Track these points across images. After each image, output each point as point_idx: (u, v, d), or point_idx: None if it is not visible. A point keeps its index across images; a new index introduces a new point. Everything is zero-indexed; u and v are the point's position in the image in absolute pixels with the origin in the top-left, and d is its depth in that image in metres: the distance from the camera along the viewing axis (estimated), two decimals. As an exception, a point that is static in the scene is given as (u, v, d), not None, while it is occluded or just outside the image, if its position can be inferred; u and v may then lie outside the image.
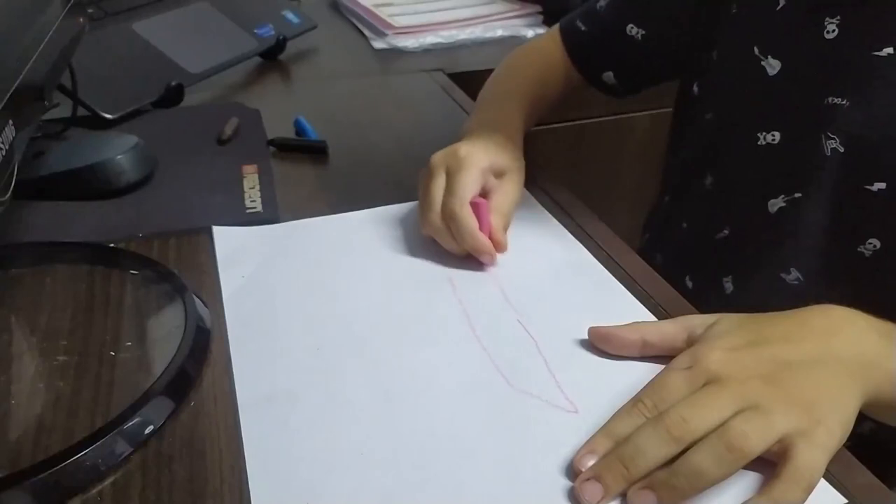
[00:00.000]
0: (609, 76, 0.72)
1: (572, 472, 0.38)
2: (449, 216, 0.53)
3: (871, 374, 0.41)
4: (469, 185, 0.54)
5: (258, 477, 0.38)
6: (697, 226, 0.69)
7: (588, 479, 0.36)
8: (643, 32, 0.67)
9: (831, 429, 0.37)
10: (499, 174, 0.57)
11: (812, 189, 0.57)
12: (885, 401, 0.41)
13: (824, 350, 0.41)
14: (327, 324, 0.49)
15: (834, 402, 0.38)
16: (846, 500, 0.37)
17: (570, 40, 0.73)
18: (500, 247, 0.54)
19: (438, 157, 0.57)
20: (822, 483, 0.37)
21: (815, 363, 0.40)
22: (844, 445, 0.38)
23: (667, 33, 0.67)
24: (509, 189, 0.57)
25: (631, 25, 0.68)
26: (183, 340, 0.45)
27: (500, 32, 1.09)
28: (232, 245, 0.56)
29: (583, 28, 0.72)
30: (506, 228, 0.56)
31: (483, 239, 0.53)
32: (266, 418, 0.41)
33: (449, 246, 0.55)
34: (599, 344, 0.46)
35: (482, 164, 0.55)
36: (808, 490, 0.35)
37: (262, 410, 0.42)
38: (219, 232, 0.58)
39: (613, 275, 0.54)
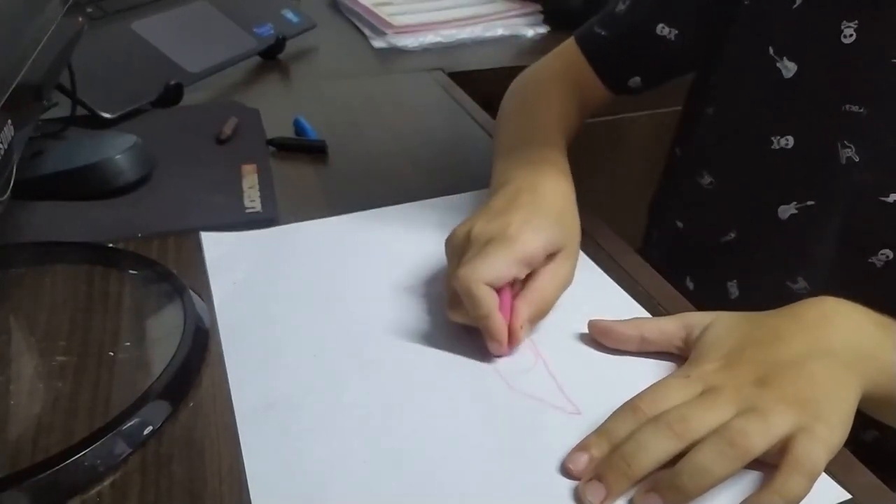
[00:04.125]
0: (636, 80, 0.67)
1: (564, 469, 0.38)
2: (462, 292, 0.44)
3: (868, 366, 0.40)
4: (501, 268, 0.44)
5: (260, 487, 0.37)
6: (697, 226, 0.68)
7: (590, 480, 0.36)
8: (676, 31, 0.63)
9: (830, 423, 0.37)
10: (551, 254, 0.47)
11: (826, 198, 0.56)
12: (882, 394, 0.41)
13: (816, 344, 0.41)
14: (323, 329, 0.48)
15: (830, 396, 0.38)
16: (850, 496, 0.37)
17: (591, 48, 0.68)
18: (513, 340, 0.45)
19: (482, 228, 0.47)
20: (826, 479, 0.37)
21: (808, 359, 0.39)
22: (847, 448, 0.38)
23: (698, 29, 0.63)
24: (556, 273, 0.47)
25: (662, 25, 0.63)
26: (182, 341, 0.45)
27: (500, 31, 1.09)
28: (222, 250, 0.56)
29: (603, 33, 0.67)
30: (537, 319, 0.47)
31: (498, 322, 0.44)
32: (265, 428, 0.41)
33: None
34: (598, 337, 0.46)
35: (534, 247, 0.45)
36: (810, 479, 0.35)
37: (260, 420, 0.41)
38: (207, 237, 0.57)
39: (614, 275, 0.54)
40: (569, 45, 0.70)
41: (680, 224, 0.70)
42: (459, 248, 0.47)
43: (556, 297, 0.47)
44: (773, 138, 0.58)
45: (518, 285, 0.47)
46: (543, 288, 0.46)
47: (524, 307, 0.45)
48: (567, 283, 0.48)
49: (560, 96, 0.67)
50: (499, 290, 0.45)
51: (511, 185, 0.52)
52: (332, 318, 0.49)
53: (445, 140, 0.78)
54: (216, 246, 0.56)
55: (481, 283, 0.43)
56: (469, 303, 0.44)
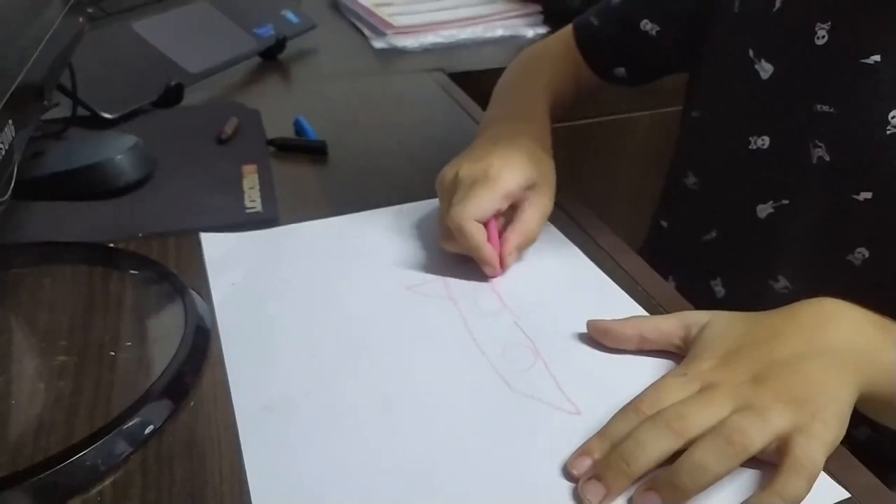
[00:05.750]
0: (620, 71, 0.71)
1: (568, 474, 0.38)
2: (455, 228, 0.51)
3: (865, 366, 0.40)
4: (486, 205, 0.51)
5: (260, 489, 0.37)
6: (680, 225, 0.69)
7: (590, 480, 0.36)
8: (657, 28, 0.67)
9: (826, 422, 0.37)
10: (530, 188, 0.54)
11: (799, 196, 0.57)
12: (880, 395, 0.41)
13: (813, 344, 0.41)
14: (322, 330, 0.48)
15: (826, 395, 0.38)
16: (848, 494, 0.37)
17: (583, 35, 0.73)
18: (503, 263, 0.52)
19: (467, 169, 0.54)
20: (824, 477, 0.37)
21: (804, 358, 0.40)
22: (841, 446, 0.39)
23: (680, 29, 0.66)
24: (537, 204, 0.54)
25: (645, 21, 0.67)
26: (183, 340, 0.45)
27: (500, 32, 1.09)
28: (220, 251, 0.55)
29: (595, 23, 0.72)
30: (524, 246, 0.54)
31: (488, 250, 0.51)
32: (265, 429, 0.40)
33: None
34: (598, 337, 0.46)
35: (512, 184, 0.52)
36: (809, 480, 0.35)
37: (260, 421, 0.41)
38: (207, 238, 0.57)
39: (614, 275, 0.54)
40: (567, 30, 0.75)
41: (664, 223, 0.71)
42: (448, 189, 0.54)
43: (540, 226, 0.54)
44: (750, 138, 0.59)
45: (502, 218, 0.54)
46: (527, 219, 0.53)
47: (513, 237, 0.53)
48: (547, 211, 0.55)
49: (555, 66, 0.72)
50: (486, 223, 0.52)
51: (492, 131, 0.61)
52: (331, 319, 0.49)
53: (445, 140, 0.78)
54: (215, 247, 0.56)
55: (471, 219, 0.51)
56: (461, 237, 0.51)
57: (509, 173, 0.53)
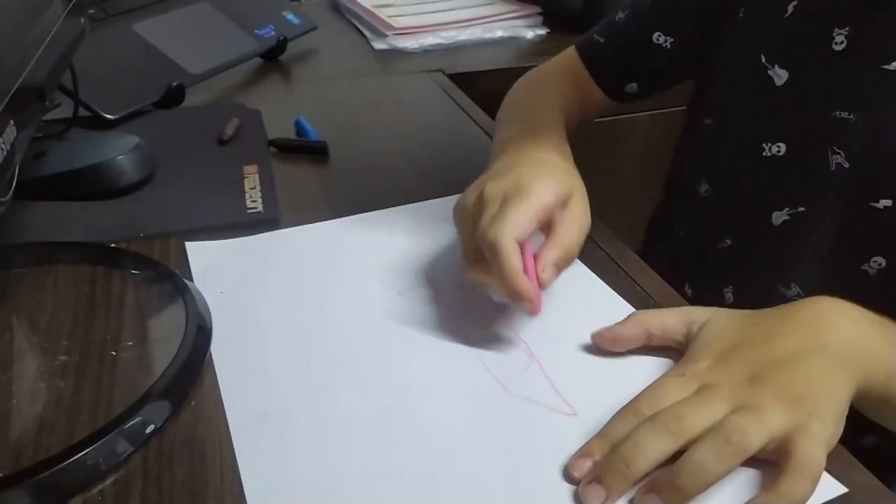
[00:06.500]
0: (632, 87, 0.69)
1: (568, 476, 0.38)
2: (489, 248, 0.44)
3: (863, 363, 0.40)
4: (524, 220, 0.45)
5: (257, 499, 0.37)
6: (695, 233, 0.68)
7: (590, 483, 0.36)
8: (671, 40, 0.65)
9: (825, 420, 0.37)
10: (562, 204, 0.48)
11: (816, 204, 0.56)
12: (878, 392, 0.41)
13: (810, 342, 0.41)
14: (315, 337, 0.47)
15: (823, 393, 0.38)
16: (846, 489, 0.37)
17: (590, 54, 0.70)
18: (541, 283, 0.45)
19: (494, 187, 0.48)
20: (824, 475, 0.37)
21: (802, 356, 0.40)
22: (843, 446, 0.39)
23: (693, 38, 0.65)
24: (573, 217, 0.48)
25: (658, 34, 0.65)
26: (184, 340, 0.45)
27: (500, 33, 1.10)
28: (207, 260, 0.55)
29: (602, 40, 0.69)
30: (563, 264, 0.46)
31: (524, 282, 0.43)
32: (260, 440, 0.40)
33: (496, 294, 0.48)
34: (608, 346, 0.46)
35: (548, 197, 0.46)
36: (814, 482, 0.35)
37: (255, 432, 0.40)
38: (192, 247, 0.56)
39: (613, 275, 0.54)
40: (569, 52, 0.73)
41: (682, 233, 0.70)
42: (473, 213, 0.48)
43: (580, 240, 0.48)
44: (764, 145, 0.58)
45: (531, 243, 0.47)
46: (565, 232, 0.47)
47: (548, 252, 0.46)
48: (586, 224, 0.49)
49: (561, 88, 0.70)
50: (521, 248, 0.45)
51: (511, 149, 0.55)
52: (324, 324, 0.49)
53: (445, 141, 0.78)
54: (201, 255, 0.55)
55: (509, 237, 0.44)
56: (495, 260, 0.44)
57: (543, 185, 0.47)
